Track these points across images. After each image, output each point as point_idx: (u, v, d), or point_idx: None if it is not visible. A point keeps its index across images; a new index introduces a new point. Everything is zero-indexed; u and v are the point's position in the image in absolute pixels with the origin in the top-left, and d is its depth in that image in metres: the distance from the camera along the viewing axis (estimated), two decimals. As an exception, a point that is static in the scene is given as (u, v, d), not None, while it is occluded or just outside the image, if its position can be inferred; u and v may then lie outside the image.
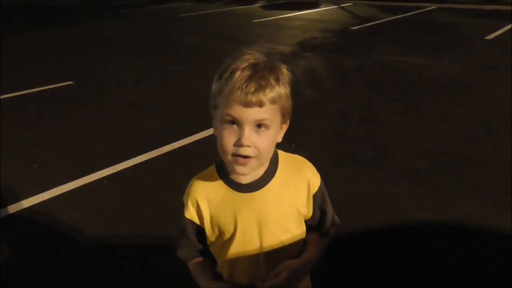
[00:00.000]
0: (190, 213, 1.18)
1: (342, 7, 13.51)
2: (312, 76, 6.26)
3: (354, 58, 7.09)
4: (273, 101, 1.01)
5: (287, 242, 1.19)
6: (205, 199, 1.16)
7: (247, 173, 1.09)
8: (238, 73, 1.00)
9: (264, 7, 13.67)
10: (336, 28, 9.93)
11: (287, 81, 1.06)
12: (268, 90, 1.00)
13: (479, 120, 4.57)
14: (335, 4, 14.10)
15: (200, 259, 1.29)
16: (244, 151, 1.03)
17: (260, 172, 1.14)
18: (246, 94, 0.99)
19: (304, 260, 1.19)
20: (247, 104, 0.99)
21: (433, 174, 3.47)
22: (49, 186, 3.40)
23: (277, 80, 1.03)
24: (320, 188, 1.20)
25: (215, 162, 1.20)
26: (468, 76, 6.06)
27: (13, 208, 3.15)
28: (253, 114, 1.00)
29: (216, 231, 1.19)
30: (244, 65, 1.01)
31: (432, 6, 12.89)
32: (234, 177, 1.14)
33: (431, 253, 2.58)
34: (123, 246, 2.74)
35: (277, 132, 1.08)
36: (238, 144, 1.02)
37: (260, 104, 1.00)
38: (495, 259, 2.57)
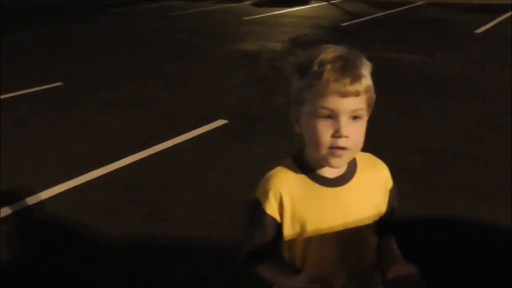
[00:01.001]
0: (272, 208, 1.12)
1: (333, 3, 13.52)
2: (304, 73, 6.25)
3: (345, 54, 7.07)
4: (367, 90, 1.02)
5: (368, 242, 1.17)
6: (288, 193, 1.11)
7: (341, 166, 1.08)
8: (329, 66, 0.99)
9: (255, 5, 13.64)
10: (327, 25, 9.93)
11: (370, 71, 1.06)
12: (363, 80, 1.01)
13: (471, 115, 4.59)
14: (325, 0, 14.10)
15: (273, 261, 1.20)
16: (342, 142, 1.01)
17: (344, 167, 1.13)
18: (344, 85, 0.98)
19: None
20: (345, 95, 0.99)
21: (427, 170, 3.48)
22: (41, 188, 3.37)
23: (367, 70, 1.04)
24: (393, 186, 1.20)
25: (291, 157, 1.16)
26: (459, 71, 6.09)
27: (4, 211, 3.12)
28: (350, 104, 1.00)
29: (297, 228, 1.13)
30: (331, 57, 1.01)
31: (422, 1, 12.93)
32: (318, 170, 1.11)
33: (425, 249, 2.59)
34: (117, 246, 2.72)
35: (365, 123, 1.07)
36: (337, 135, 1.01)
37: (357, 94, 1.00)
38: (490, 254, 2.59)
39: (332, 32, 9.10)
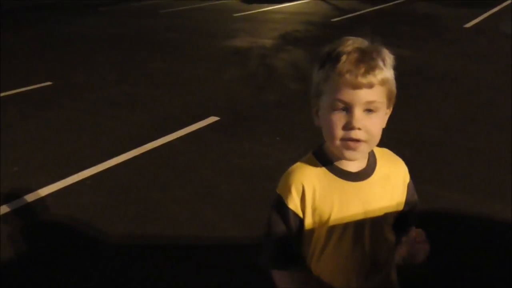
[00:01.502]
0: (295, 203, 1.10)
1: (322, -1, 13.51)
2: (295, 69, 6.25)
3: (336, 50, 7.07)
4: (382, 82, 1.01)
5: (387, 239, 1.16)
6: (310, 187, 1.09)
7: (357, 158, 1.07)
8: (344, 57, 0.99)
9: (244, 1, 13.59)
10: (317, 21, 9.93)
11: (392, 64, 1.05)
12: (377, 71, 0.99)
13: (461, 108, 4.62)
14: (315, -4, 14.08)
15: (296, 271, 1.16)
16: (355, 134, 1.01)
17: (363, 162, 1.12)
18: (356, 76, 0.98)
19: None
20: (357, 86, 0.98)
21: (417, 162, 3.49)
22: (31, 189, 3.33)
23: (384, 63, 1.02)
24: (410, 182, 1.20)
25: (312, 151, 1.15)
26: (448, 65, 6.12)
27: (-6, 213, 3.08)
28: (363, 95, 0.99)
29: (317, 222, 1.11)
30: (349, 49, 1.01)
31: (411, -4, 12.96)
32: (340, 164, 1.10)
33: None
34: (109, 247, 2.70)
35: (384, 116, 1.06)
36: (349, 127, 1.00)
37: (370, 85, 0.99)
38: (479, 245, 2.61)
39: (322, 28, 9.09)
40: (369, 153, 1.13)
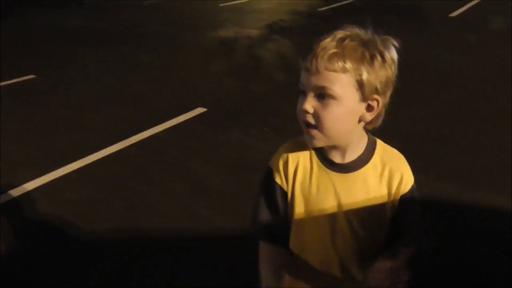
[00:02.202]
0: (281, 177, 1.13)
1: (309, -11, 13.45)
2: (282, 59, 6.23)
3: (322, 40, 7.07)
4: (334, 69, 0.98)
5: (363, 238, 1.13)
6: (294, 164, 1.12)
7: (315, 145, 1.06)
8: (319, 44, 1.01)
9: (230, -9, 13.47)
10: (304, 10, 9.90)
11: (379, 58, 1.00)
12: (330, 58, 0.97)
13: (449, 99, 4.66)
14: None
15: (276, 247, 1.17)
16: (304, 116, 1.02)
17: (353, 155, 1.10)
18: (305, 59, 1.00)
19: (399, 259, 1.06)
20: (306, 69, 1.00)
21: (406, 154, 3.50)
22: (16, 184, 3.28)
23: (355, 51, 0.99)
24: (411, 191, 1.13)
25: None
26: (435, 56, 6.16)
27: (-21, 209, 3.03)
28: (311, 80, 1.00)
29: (297, 202, 1.13)
30: (328, 35, 1.01)
31: (397, -14, 12.97)
32: (327, 152, 1.10)
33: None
34: (97, 241, 2.68)
35: (351, 107, 1.01)
36: (300, 108, 1.03)
37: (317, 70, 0.98)
38: (469, 234, 2.64)
39: (309, 18, 9.07)
40: (366, 146, 1.11)
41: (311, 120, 1.02)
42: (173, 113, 4.40)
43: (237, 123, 4.21)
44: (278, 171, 1.13)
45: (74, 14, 11.19)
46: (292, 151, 1.13)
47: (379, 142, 1.15)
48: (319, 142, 1.05)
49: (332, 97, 1.00)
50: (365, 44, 1.01)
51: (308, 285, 1.21)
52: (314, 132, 1.03)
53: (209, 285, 2.31)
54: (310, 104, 1.01)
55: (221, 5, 11.13)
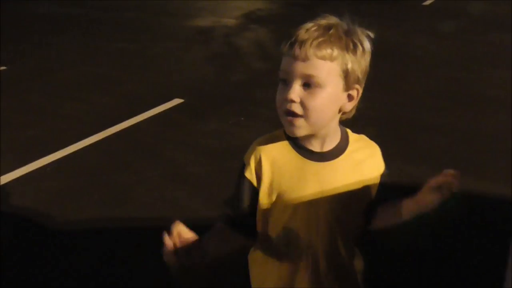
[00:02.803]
0: (251, 173, 1.12)
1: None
2: (259, 48, 6.24)
3: (299, 28, 7.09)
4: (323, 57, 0.97)
5: (345, 226, 1.14)
6: (269, 159, 1.10)
7: (298, 134, 1.04)
8: (297, 29, 1.00)
9: (206, -21, 13.33)
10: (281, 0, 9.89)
11: (359, 47, 1.02)
12: (317, 44, 0.97)
13: (421, 84, 4.76)
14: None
15: (235, 234, 1.18)
16: (290, 106, 1.00)
17: (330, 144, 1.10)
18: (293, 46, 0.98)
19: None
20: (293, 56, 0.98)
21: (382, 140, 3.58)
22: (-8, 176, 3.23)
23: (338, 39, 0.99)
24: (384, 173, 1.17)
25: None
26: (409, 42, 6.26)
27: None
28: (298, 67, 0.98)
29: (274, 197, 1.11)
30: (309, 22, 1.01)
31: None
32: (304, 142, 1.09)
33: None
34: (75, 231, 2.67)
35: (335, 95, 1.02)
36: (284, 98, 1.00)
37: (305, 57, 0.97)
38: (443, 218, 2.73)
39: (286, 6, 9.07)
40: (341, 136, 1.12)
41: (297, 109, 1.00)
42: (151, 103, 4.37)
43: (215, 112, 4.21)
44: (249, 166, 1.12)
45: (47, 1, 10.92)
46: (267, 145, 1.12)
47: (349, 132, 1.17)
48: (303, 131, 1.04)
49: (319, 85, 0.99)
50: (348, 33, 1.02)
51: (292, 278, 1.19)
52: (300, 121, 1.02)
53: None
54: (295, 93, 0.99)
55: (197, -7, 11.02)
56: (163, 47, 6.40)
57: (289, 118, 1.02)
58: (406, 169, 3.18)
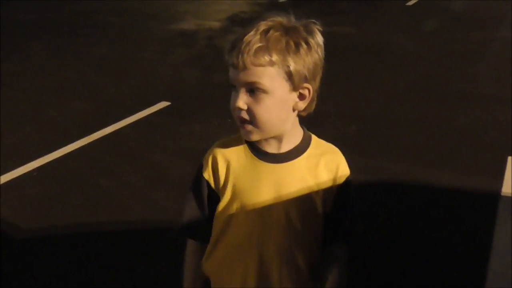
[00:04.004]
0: (209, 173, 1.13)
1: (268, -21, 13.46)
2: (242, 50, 6.24)
3: (282, 29, 7.12)
4: (261, 64, 0.97)
5: (298, 229, 1.10)
6: (225, 160, 1.11)
7: (251, 139, 1.06)
8: (238, 35, 1.00)
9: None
10: (264, 1, 9.91)
11: (304, 45, 1.00)
12: (255, 51, 0.96)
13: (401, 82, 4.81)
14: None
15: (196, 246, 1.21)
16: (238, 113, 1.02)
17: (288, 146, 1.09)
18: (231, 55, 0.98)
19: None
20: (234, 66, 0.99)
21: (363, 137, 3.63)
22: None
23: (279, 42, 0.98)
24: (346, 182, 1.12)
25: None
26: (390, 41, 6.32)
27: None
28: (240, 76, 0.99)
29: (228, 196, 1.11)
30: (249, 27, 1.00)
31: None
32: (260, 144, 1.09)
33: (366, 211, 2.71)
34: (59, 237, 2.64)
35: (283, 98, 1.01)
36: (232, 106, 1.02)
37: (244, 66, 0.97)
38: (421, 210, 2.77)
39: (269, 8, 9.06)
40: (302, 138, 1.11)
41: (245, 116, 1.02)
42: (135, 108, 4.34)
43: (198, 114, 4.20)
44: (207, 167, 1.13)
45: (25, 5, 10.78)
46: (225, 147, 1.13)
47: (314, 137, 1.15)
48: (255, 136, 1.05)
49: (263, 91, 0.99)
50: (289, 32, 1.00)
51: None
52: (250, 127, 1.03)
53: (172, 276, 2.32)
54: (242, 101, 1.00)
55: (180, -4, 10.99)
56: (146, 51, 6.36)
57: (240, 124, 1.04)
58: (387, 165, 3.21)
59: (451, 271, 2.33)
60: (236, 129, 1.11)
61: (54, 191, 3.10)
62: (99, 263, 2.43)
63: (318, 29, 1.05)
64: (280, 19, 1.03)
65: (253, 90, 1.00)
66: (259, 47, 0.97)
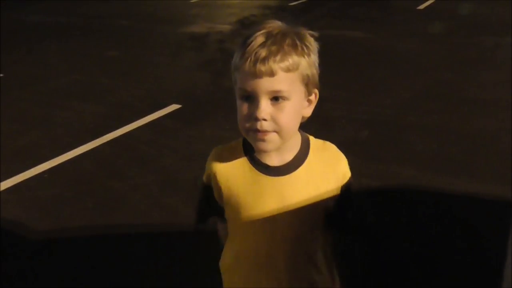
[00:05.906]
0: (209, 180, 1.12)
1: (279, -17, 13.47)
2: (253, 53, 6.24)
3: (293, 33, 7.12)
4: (288, 69, 0.94)
5: (306, 239, 1.10)
6: (224, 175, 1.08)
7: (269, 150, 1.00)
8: (248, 42, 0.95)
9: (200, -14, 13.37)
10: (274, 5, 9.92)
11: (311, 49, 0.99)
12: (280, 57, 0.93)
13: (414, 87, 4.77)
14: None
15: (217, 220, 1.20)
16: (261, 125, 0.95)
17: (289, 156, 1.05)
18: (255, 63, 0.92)
19: None
20: (257, 75, 0.93)
21: (375, 142, 3.61)
22: (-15, 185, 3.21)
23: (294, 46, 0.95)
24: (348, 183, 1.10)
25: (243, 137, 1.08)
26: (401, 46, 6.29)
27: None
28: (265, 84, 0.93)
29: (230, 213, 1.10)
30: (257, 34, 0.96)
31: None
32: (260, 156, 1.05)
33: (376, 217, 2.69)
34: (70, 239, 2.65)
35: (300, 104, 0.99)
36: (254, 118, 0.95)
37: (271, 73, 0.93)
38: (433, 218, 2.73)
39: (279, 12, 9.10)
40: (301, 144, 1.07)
41: (268, 127, 0.96)
42: (146, 110, 4.36)
43: (209, 118, 4.21)
44: (207, 174, 1.13)
45: (36, 9, 10.89)
46: (219, 158, 1.10)
47: (312, 139, 1.11)
48: (274, 146, 1.00)
49: (286, 98, 0.96)
50: (299, 38, 0.98)
51: None
52: (272, 136, 0.97)
53: (182, 279, 2.32)
54: (266, 111, 0.95)
55: (192, 0, 11.05)
56: (157, 54, 6.40)
57: (260, 135, 0.97)
58: (398, 171, 3.18)
59: (464, 281, 2.30)
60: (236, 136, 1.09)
61: (65, 193, 3.12)
62: (109, 265, 2.44)
63: (313, 36, 1.03)
64: (282, 24, 1.01)
65: (277, 98, 0.95)
66: (284, 52, 0.94)
